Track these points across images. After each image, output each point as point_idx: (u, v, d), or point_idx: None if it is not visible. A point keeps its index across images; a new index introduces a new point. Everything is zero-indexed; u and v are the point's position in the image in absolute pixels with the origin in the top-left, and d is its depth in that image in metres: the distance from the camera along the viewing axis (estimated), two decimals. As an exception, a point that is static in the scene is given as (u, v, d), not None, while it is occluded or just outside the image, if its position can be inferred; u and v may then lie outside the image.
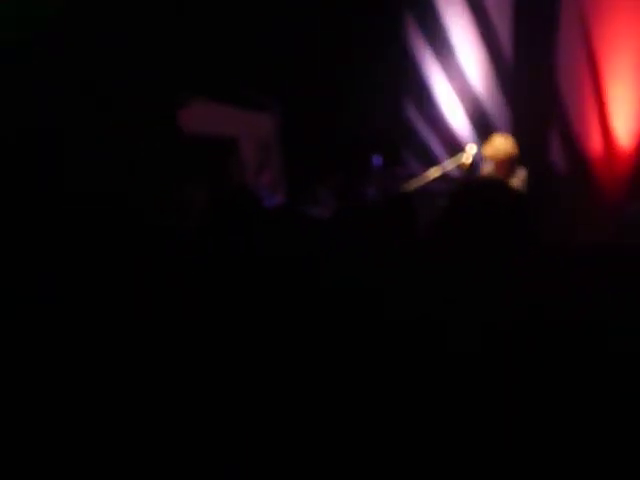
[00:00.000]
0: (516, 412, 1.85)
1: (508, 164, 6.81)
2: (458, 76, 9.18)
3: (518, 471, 1.81)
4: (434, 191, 7.33)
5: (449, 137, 9.07)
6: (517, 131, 8.81)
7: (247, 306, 2.65)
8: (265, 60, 8.76)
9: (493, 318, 2.07)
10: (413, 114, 9.48)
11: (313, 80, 8.96)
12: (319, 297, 2.52)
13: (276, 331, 2.48)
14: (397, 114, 9.41)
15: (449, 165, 7.33)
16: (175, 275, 2.83)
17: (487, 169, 6.99)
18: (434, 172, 7.35)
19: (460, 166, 7.28)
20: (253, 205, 3.32)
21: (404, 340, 2.21)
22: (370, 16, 9.23)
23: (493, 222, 2.43)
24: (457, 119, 9.08)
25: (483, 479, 1.84)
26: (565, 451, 1.79)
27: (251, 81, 8.62)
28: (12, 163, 6.54)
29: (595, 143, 8.52)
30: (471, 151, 7.28)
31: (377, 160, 8.49)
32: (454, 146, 8.60)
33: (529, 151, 8.64)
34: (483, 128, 8.72)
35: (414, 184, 7.34)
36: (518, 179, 6.87)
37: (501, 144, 6.88)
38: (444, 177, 7.31)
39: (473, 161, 7.29)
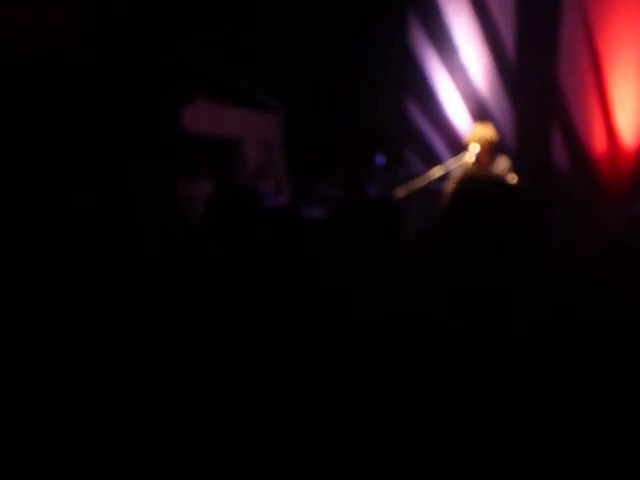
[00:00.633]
0: (519, 412, 1.85)
1: (489, 151, 7.05)
2: (461, 75, 9.18)
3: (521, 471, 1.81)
4: (437, 190, 7.34)
5: (452, 136, 9.06)
6: (520, 129, 8.81)
7: (245, 306, 2.66)
8: (268, 61, 8.76)
9: (498, 319, 2.07)
10: (416, 113, 9.48)
11: (316, 80, 8.96)
12: (317, 298, 2.52)
13: (274, 331, 2.48)
14: (400, 113, 9.41)
15: (452, 164, 7.33)
16: (173, 275, 2.83)
17: (467, 157, 7.14)
18: (437, 171, 7.35)
19: (463, 165, 7.28)
20: (254, 205, 3.32)
21: (402, 340, 2.21)
22: (373, 15, 9.23)
23: (495, 221, 2.42)
24: (460, 118, 9.08)
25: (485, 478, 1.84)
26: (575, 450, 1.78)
27: (255, 81, 8.62)
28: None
29: (598, 141, 8.51)
30: (474, 150, 7.28)
31: (380, 160, 8.49)
32: (457, 145, 8.60)
33: (532, 149, 8.64)
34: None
35: (417, 183, 7.34)
36: (500, 166, 7.08)
37: (481, 131, 7.13)
38: (447, 176, 7.31)
39: (476, 160, 7.30)
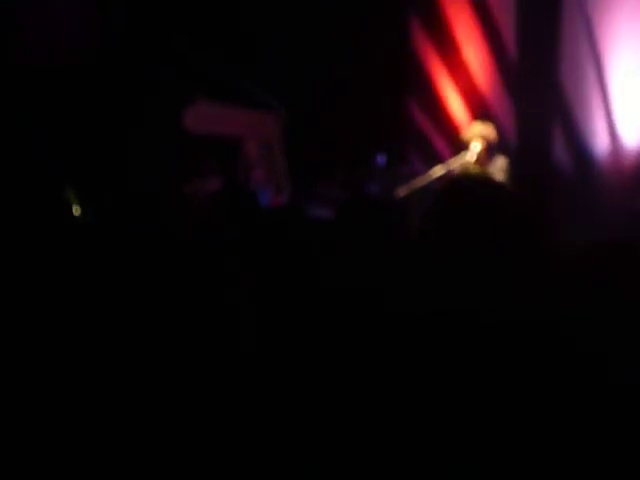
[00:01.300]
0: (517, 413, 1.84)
1: (487, 150, 7.06)
2: (461, 73, 9.17)
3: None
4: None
5: (453, 135, 9.05)
6: (521, 128, 8.80)
7: (247, 305, 2.65)
8: (268, 60, 8.75)
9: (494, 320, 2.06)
10: (417, 112, 9.46)
11: (316, 79, 8.95)
12: (319, 297, 2.51)
13: (277, 330, 2.47)
14: (401, 112, 9.40)
15: (453, 163, 7.32)
16: (173, 274, 2.82)
17: (469, 156, 7.14)
18: (438, 170, 7.34)
19: (464, 164, 7.27)
20: (251, 205, 3.32)
21: (405, 338, 2.20)
22: (372, 14, 9.22)
23: (483, 224, 2.41)
24: (461, 117, 9.06)
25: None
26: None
27: (255, 81, 8.61)
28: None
29: (600, 140, 8.50)
30: (475, 149, 7.28)
31: (381, 159, 8.48)
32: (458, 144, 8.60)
33: (533, 147, 8.63)
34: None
35: (418, 183, 7.32)
36: (497, 166, 7.10)
37: (481, 129, 7.15)
38: (448, 175, 7.29)
39: (478, 159, 7.29)
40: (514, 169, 7.40)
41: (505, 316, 2.03)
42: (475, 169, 7.18)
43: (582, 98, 8.53)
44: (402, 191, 7.27)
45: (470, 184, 2.26)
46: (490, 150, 7.29)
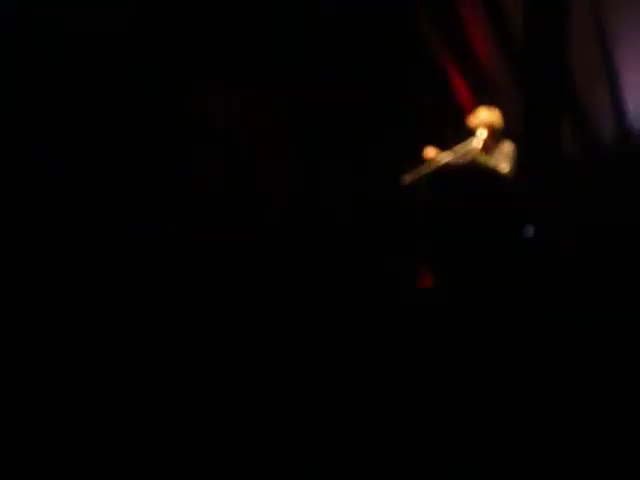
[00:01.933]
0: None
1: (493, 136, 7.06)
2: (470, 62, 9.17)
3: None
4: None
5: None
6: (530, 118, 8.80)
7: None
8: (276, 55, 8.79)
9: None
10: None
11: (323, 75, 8.98)
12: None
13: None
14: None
15: (459, 150, 7.32)
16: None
17: (475, 143, 7.15)
18: (444, 157, 7.34)
19: (471, 151, 7.27)
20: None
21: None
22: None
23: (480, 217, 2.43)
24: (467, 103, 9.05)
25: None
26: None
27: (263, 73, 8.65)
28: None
29: (609, 129, 8.50)
30: (481, 136, 7.28)
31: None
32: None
33: (541, 133, 8.63)
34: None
35: (425, 169, 7.33)
36: (503, 152, 7.10)
37: (487, 115, 7.15)
38: (454, 162, 7.30)
39: (484, 145, 7.29)
40: (521, 155, 7.40)
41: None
42: (480, 156, 7.19)
43: (591, 86, 8.53)
44: (409, 177, 7.28)
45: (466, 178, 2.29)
46: (496, 136, 7.30)
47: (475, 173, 6.38)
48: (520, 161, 7.30)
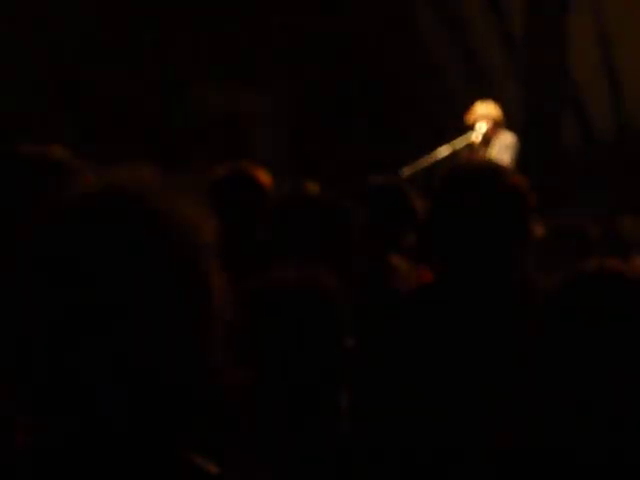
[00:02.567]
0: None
1: (493, 130, 7.06)
2: (471, 59, 9.20)
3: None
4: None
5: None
6: (531, 114, 8.82)
7: None
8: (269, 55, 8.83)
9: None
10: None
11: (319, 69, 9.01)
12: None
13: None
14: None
15: (458, 144, 7.32)
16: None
17: (474, 136, 7.15)
18: (443, 151, 7.34)
19: (469, 145, 7.27)
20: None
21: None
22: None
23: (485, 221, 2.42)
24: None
25: None
26: None
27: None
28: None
29: (609, 125, 8.53)
30: (480, 129, 7.27)
31: None
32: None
33: (544, 134, 8.65)
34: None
35: (423, 163, 7.33)
36: (503, 143, 7.13)
37: (486, 109, 7.16)
38: (453, 156, 7.29)
39: (483, 139, 7.29)
40: (522, 145, 7.43)
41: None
42: (479, 149, 7.19)
43: (592, 82, 8.55)
44: (407, 171, 7.27)
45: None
46: (496, 130, 7.29)
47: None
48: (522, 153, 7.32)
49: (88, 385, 1.09)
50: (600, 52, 8.62)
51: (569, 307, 1.69)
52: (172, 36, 8.67)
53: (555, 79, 8.69)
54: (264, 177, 3.88)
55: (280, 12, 8.94)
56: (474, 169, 2.71)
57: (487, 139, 7.25)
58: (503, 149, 7.23)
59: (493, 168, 2.68)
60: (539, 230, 3.86)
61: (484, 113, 7.26)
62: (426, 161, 7.28)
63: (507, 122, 7.46)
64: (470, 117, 7.31)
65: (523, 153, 7.46)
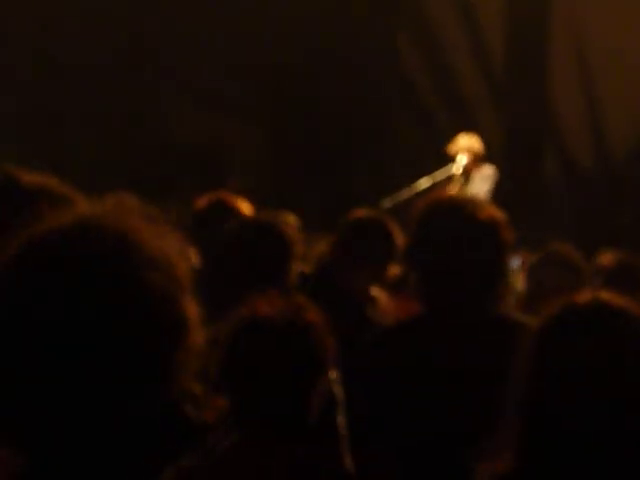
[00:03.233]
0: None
1: (473, 162, 7.08)
2: (451, 89, 9.23)
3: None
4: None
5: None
6: (512, 146, 8.86)
7: None
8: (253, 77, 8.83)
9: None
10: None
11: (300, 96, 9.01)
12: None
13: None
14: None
15: (439, 176, 7.33)
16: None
17: (455, 169, 7.18)
18: (423, 183, 7.35)
19: (450, 177, 7.28)
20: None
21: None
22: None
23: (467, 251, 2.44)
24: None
25: None
26: None
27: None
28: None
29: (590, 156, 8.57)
30: (461, 162, 7.29)
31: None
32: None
33: (525, 165, 8.68)
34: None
35: (403, 194, 7.33)
36: (483, 174, 7.15)
37: (467, 142, 7.19)
38: (433, 188, 7.30)
39: (463, 172, 7.31)
40: (501, 177, 7.45)
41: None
42: (459, 181, 7.20)
43: (572, 114, 8.59)
44: (387, 202, 7.27)
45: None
46: (476, 163, 7.31)
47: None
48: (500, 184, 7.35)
49: (55, 420, 1.08)
50: (581, 83, 8.67)
51: (560, 337, 1.71)
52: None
53: (536, 109, 8.74)
54: (245, 207, 3.89)
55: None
56: (451, 204, 2.72)
57: (467, 172, 7.27)
58: (482, 181, 7.25)
59: (470, 203, 2.69)
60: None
61: (466, 146, 7.28)
62: (407, 193, 7.29)
63: (487, 152, 7.49)
64: (452, 149, 7.33)
65: (502, 184, 7.48)
